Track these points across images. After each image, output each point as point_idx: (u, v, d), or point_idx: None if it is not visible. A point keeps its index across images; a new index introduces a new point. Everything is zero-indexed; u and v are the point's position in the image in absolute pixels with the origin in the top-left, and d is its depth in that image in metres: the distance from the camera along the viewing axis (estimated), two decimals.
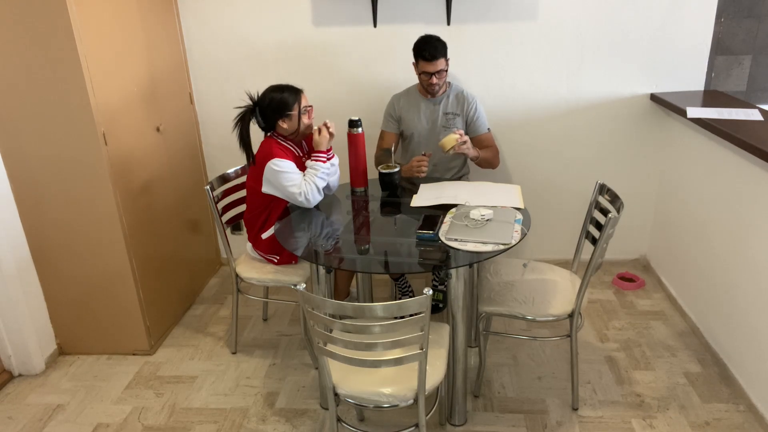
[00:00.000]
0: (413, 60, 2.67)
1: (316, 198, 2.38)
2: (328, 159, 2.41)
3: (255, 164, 2.40)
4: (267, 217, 2.47)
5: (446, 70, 2.64)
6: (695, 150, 2.74)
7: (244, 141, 2.40)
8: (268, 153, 2.35)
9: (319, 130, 2.40)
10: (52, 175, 2.42)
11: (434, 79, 2.62)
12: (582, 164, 3.20)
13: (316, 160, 2.38)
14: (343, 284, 2.76)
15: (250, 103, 2.41)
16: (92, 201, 2.45)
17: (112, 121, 2.43)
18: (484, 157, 2.71)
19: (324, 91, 3.14)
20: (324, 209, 2.42)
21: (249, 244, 2.59)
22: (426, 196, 2.43)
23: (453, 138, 2.47)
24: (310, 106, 2.44)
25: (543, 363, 2.55)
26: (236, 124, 2.40)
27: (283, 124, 2.39)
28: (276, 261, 2.54)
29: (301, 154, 2.51)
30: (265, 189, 2.39)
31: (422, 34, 2.77)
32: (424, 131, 2.77)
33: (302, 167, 2.43)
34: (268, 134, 2.45)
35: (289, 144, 2.45)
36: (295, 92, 2.40)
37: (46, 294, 2.64)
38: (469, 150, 2.57)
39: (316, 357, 2.49)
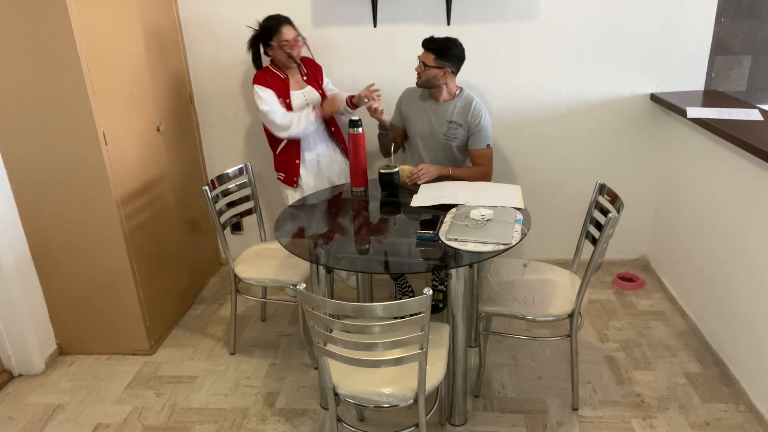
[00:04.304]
0: None
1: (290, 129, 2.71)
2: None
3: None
4: (274, 137, 2.80)
5: (432, 68, 2.56)
6: (695, 150, 2.74)
7: (255, 63, 2.83)
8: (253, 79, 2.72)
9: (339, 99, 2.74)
10: (52, 175, 2.42)
11: (419, 67, 2.61)
12: (582, 164, 3.21)
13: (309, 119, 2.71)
14: None
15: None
16: (92, 201, 2.45)
17: (112, 121, 2.43)
18: (458, 176, 2.62)
19: None
20: (324, 209, 2.42)
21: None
22: (426, 196, 2.43)
23: (405, 172, 2.58)
24: (295, 40, 2.67)
25: (543, 363, 2.55)
26: (249, 49, 2.80)
27: (270, 53, 2.72)
28: (281, 179, 2.89)
29: (299, 74, 2.80)
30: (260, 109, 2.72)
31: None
32: (424, 134, 2.72)
33: (284, 92, 2.73)
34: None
35: (277, 70, 2.75)
36: (278, 23, 2.66)
37: (46, 294, 2.64)
38: (427, 176, 2.57)
39: (315, 357, 2.50)
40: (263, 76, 2.72)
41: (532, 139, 3.17)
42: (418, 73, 2.62)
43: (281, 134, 2.71)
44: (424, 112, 2.72)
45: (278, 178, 2.92)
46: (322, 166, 2.91)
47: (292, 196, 2.90)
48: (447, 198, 2.37)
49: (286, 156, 2.84)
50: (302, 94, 2.79)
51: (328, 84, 2.94)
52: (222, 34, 3.08)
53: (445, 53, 2.57)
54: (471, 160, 2.73)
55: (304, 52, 2.80)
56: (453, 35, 2.97)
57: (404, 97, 2.81)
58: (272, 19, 2.68)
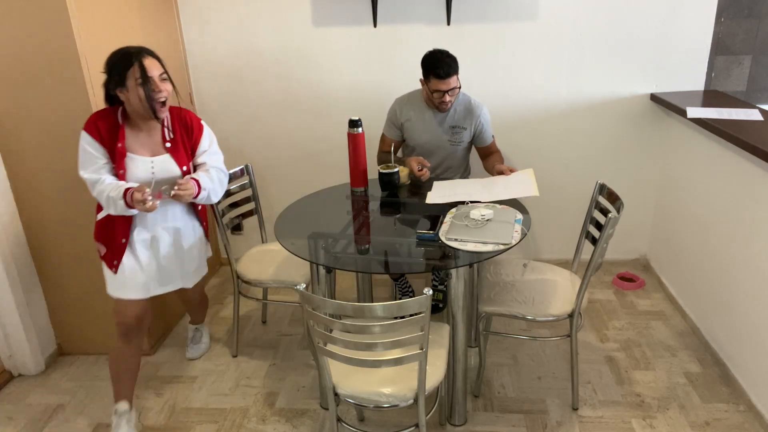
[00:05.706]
0: (422, 77, 2.54)
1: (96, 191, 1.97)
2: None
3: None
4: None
5: (459, 87, 2.53)
6: (695, 150, 2.74)
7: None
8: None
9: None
10: (52, 175, 2.42)
11: (447, 97, 2.50)
12: (582, 164, 3.21)
13: (129, 205, 1.92)
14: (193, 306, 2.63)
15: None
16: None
17: None
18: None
19: (324, 91, 3.15)
20: (324, 209, 2.42)
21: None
22: (440, 193, 2.42)
23: (405, 172, 2.59)
24: (162, 75, 1.96)
25: (543, 363, 2.55)
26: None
27: (122, 96, 1.92)
28: (101, 254, 2.11)
29: (159, 133, 2.06)
30: None
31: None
32: (427, 144, 2.69)
33: (120, 152, 1.96)
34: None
35: (123, 119, 2.00)
36: (129, 58, 1.88)
37: (46, 294, 2.64)
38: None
39: None
40: (96, 121, 1.95)
41: (532, 139, 3.17)
42: (449, 101, 2.53)
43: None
44: (424, 121, 2.67)
45: (97, 250, 2.15)
46: (159, 251, 2.15)
47: (111, 280, 2.11)
48: (461, 195, 2.36)
49: (108, 228, 2.07)
50: (150, 163, 2.02)
51: (206, 152, 2.17)
52: (222, 33, 3.08)
53: (458, 66, 2.50)
54: (484, 153, 2.76)
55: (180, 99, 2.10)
56: (453, 35, 2.99)
57: (397, 109, 2.70)
58: (120, 52, 1.91)
